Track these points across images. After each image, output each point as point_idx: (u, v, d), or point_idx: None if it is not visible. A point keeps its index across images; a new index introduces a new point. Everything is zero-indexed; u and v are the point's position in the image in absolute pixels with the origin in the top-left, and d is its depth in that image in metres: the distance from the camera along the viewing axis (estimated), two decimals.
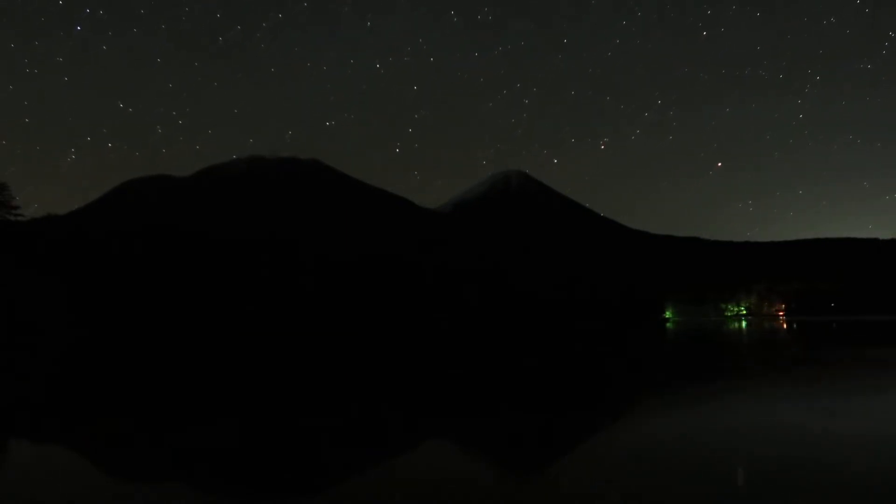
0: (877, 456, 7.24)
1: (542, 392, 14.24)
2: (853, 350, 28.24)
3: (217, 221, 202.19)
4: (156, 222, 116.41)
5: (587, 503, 5.78)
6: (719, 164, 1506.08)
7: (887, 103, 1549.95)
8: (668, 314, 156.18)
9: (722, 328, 69.47)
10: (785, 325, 75.44)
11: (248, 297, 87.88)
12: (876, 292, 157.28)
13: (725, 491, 5.98)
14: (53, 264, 72.52)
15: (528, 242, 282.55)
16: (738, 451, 7.51)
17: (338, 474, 7.14)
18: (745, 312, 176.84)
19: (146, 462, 7.80)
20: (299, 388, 15.86)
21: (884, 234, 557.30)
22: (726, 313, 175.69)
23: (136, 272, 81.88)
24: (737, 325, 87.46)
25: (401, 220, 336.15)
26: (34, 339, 46.26)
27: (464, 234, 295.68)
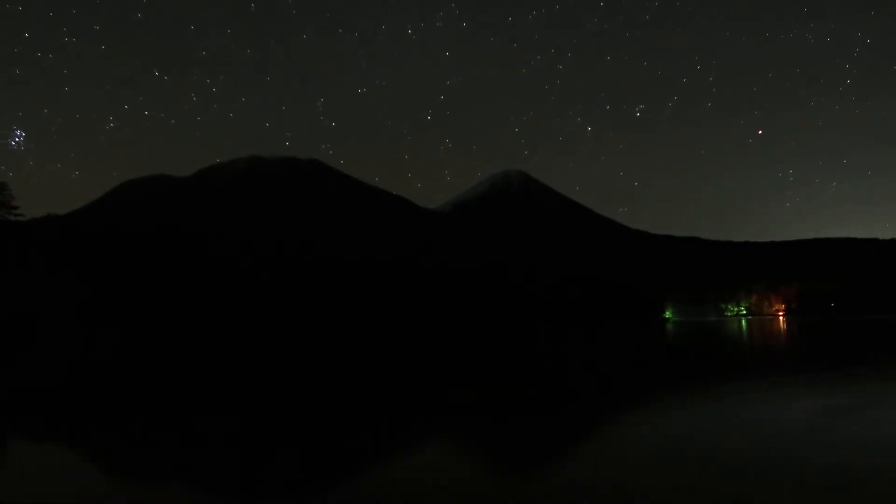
0: None
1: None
2: None
3: (217, 221, 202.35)
4: (156, 222, 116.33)
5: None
6: (760, 131, 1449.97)
7: None
8: (668, 314, 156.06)
9: (724, 329, 69.37)
10: (784, 326, 75.24)
11: (248, 297, 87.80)
12: (876, 292, 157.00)
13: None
14: (53, 264, 72.43)
15: (528, 242, 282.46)
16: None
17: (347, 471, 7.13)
18: (744, 312, 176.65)
19: (147, 461, 7.79)
20: (300, 388, 15.84)
21: (884, 233, 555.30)
22: (726, 313, 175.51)
23: (136, 271, 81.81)
24: (737, 324, 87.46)
25: (401, 220, 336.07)
26: (34, 336, 46.23)
27: (464, 234, 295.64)
